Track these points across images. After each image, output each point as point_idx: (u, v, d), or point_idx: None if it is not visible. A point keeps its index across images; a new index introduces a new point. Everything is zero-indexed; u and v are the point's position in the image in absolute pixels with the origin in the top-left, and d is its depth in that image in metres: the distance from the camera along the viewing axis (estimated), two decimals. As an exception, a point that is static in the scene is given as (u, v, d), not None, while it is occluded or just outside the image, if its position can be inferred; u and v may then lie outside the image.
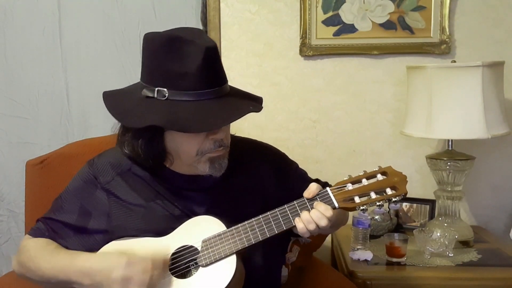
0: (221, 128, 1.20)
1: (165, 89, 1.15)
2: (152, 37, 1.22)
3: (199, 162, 1.22)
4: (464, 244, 1.86)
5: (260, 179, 1.33)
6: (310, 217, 1.13)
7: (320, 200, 1.16)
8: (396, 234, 1.76)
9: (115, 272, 1.10)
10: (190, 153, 1.21)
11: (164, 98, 1.16)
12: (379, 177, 1.18)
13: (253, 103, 1.25)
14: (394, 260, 1.72)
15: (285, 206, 1.17)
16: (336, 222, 1.25)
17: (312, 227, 1.13)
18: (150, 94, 1.17)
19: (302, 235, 1.15)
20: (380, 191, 1.17)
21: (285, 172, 1.38)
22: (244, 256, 1.20)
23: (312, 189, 1.17)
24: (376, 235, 1.93)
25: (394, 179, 1.17)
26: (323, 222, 1.13)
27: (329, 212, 1.13)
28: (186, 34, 1.18)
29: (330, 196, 1.16)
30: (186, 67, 1.14)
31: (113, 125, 1.29)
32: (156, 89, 1.16)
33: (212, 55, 1.17)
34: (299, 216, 1.15)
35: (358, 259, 1.75)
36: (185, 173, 1.28)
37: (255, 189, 1.31)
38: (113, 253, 1.17)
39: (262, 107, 1.25)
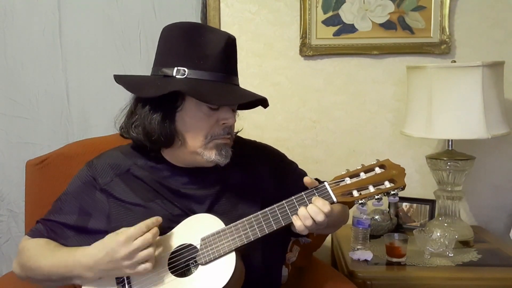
0: (232, 114, 1.24)
1: (185, 68, 1.19)
2: (174, 25, 1.26)
3: (206, 148, 1.23)
4: (464, 244, 1.86)
5: (259, 178, 1.33)
6: (307, 212, 1.13)
7: (318, 195, 1.16)
8: (396, 234, 1.75)
9: (120, 252, 1.10)
10: (199, 136, 1.22)
11: (183, 77, 1.19)
12: (377, 170, 1.18)
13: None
14: (394, 260, 1.71)
15: (283, 202, 1.17)
16: (337, 221, 1.25)
17: (309, 222, 1.12)
18: (169, 73, 1.20)
19: (300, 233, 1.15)
20: (378, 184, 1.16)
21: (284, 171, 1.39)
22: (244, 255, 1.19)
23: (307, 182, 1.17)
24: (376, 235, 1.93)
25: (392, 172, 1.17)
26: (320, 217, 1.12)
27: (326, 207, 1.13)
28: (208, 26, 1.22)
29: (328, 191, 1.16)
30: (207, 50, 1.19)
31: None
32: (176, 68, 1.19)
33: (232, 44, 1.24)
34: (297, 213, 1.14)
35: (358, 259, 1.75)
36: (186, 166, 1.28)
37: (254, 188, 1.31)
38: (108, 237, 1.16)
39: (268, 104, 1.29)
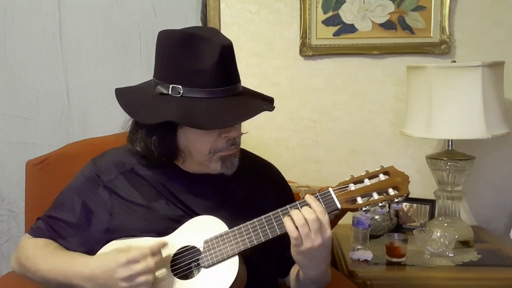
0: (235, 125, 1.20)
1: (180, 86, 1.16)
2: (167, 34, 1.22)
3: (211, 161, 1.22)
4: (464, 244, 1.86)
5: (263, 196, 1.32)
6: (302, 215, 1.11)
7: (323, 200, 1.15)
8: (396, 234, 1.76)
9: (119, 272, 1.09)
10: (202, 152, 1.21)
11: (178, 95, 1.16)
12: (382, 177, 1.17)
13: (266, 102, 1.26)
14: (394, 260, 1.72)
15: (287, 206, 1.16)
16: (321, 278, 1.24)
17: (302, 225, 1.10)
18: (165, 91, 1.18)
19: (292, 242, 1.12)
20: (382, 192, 1.16)
21: (286, 198, 1.36)
22: (244, 257, 1.19)
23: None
24: (376, 235, 1.93)
25: (396, 179, 1.16)
26: (314, 221, 1.10)
27: (320, 208, 1.11)
28: (202, 32, 1.19)
29: (332, 197, 1.16)
30: (201, 64, 1.15)
31: (123, 122, 1.29)
32: (171, 86, 1.17)
33: (227, 53, 1.18)
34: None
35: (358, 259, 1.75)
36: (195, 172, 1.27)
37: (256, 203, 1.29)
38: (111, 253, 1.16)
39: (274, 107, 1.25)
